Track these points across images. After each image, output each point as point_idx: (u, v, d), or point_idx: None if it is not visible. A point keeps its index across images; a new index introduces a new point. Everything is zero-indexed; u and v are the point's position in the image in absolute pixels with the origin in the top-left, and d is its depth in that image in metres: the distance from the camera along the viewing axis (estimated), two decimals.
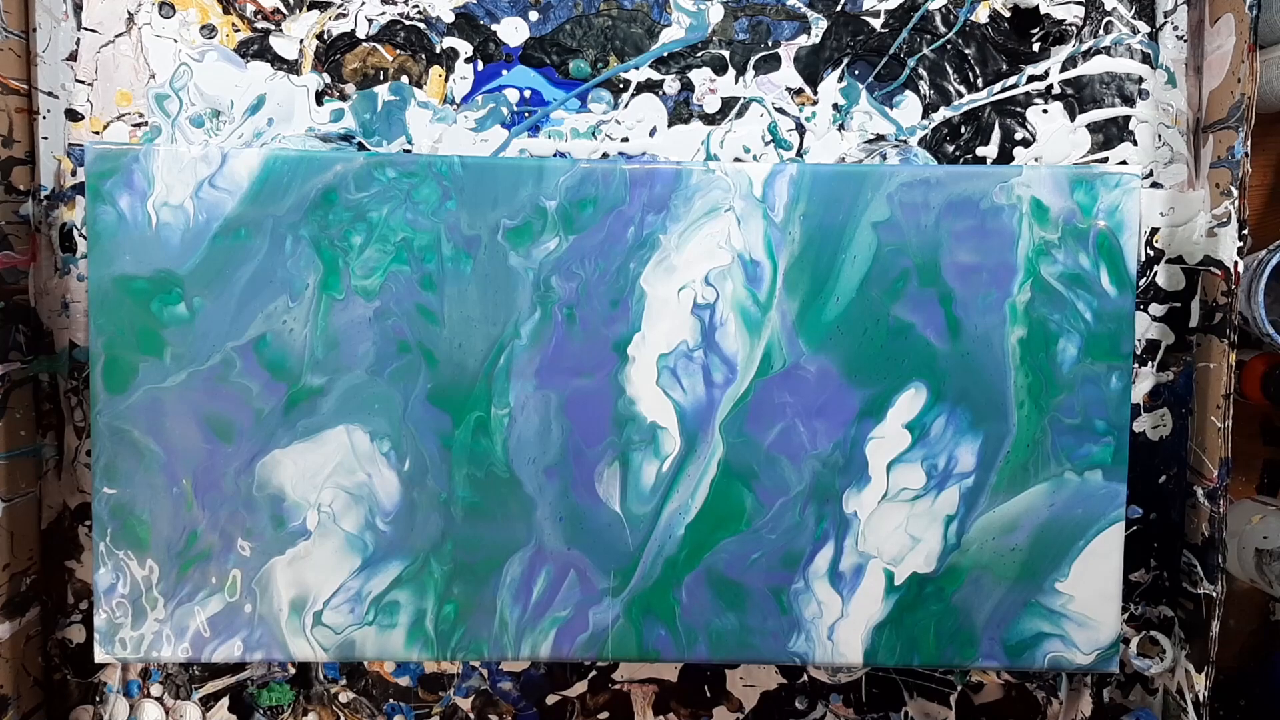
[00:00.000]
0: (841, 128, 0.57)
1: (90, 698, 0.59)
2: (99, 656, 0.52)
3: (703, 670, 0.60)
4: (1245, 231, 0.52)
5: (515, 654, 0.53)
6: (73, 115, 0.57)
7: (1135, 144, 0.57)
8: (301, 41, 0.56)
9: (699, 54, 0.57)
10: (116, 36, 0.56)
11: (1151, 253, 0.57)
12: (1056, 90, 0.57)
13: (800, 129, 0.57)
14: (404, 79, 0.57)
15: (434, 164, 0.50)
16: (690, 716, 0.60)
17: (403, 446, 0.51)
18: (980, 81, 0.57)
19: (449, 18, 0.57)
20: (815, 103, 0.57)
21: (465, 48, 0.57)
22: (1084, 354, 0.51)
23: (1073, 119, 0.57)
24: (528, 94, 0.57)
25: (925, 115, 0.57)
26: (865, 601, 0.53)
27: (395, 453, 0.51)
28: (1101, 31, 0.57)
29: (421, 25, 0.57)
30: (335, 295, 0.51)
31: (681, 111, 0.57)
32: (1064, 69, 0.57)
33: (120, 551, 0.51)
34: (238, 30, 0.56)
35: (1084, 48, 0.57)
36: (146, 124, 0.56)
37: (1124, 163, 0.57)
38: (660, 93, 0.57)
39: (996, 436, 0.52)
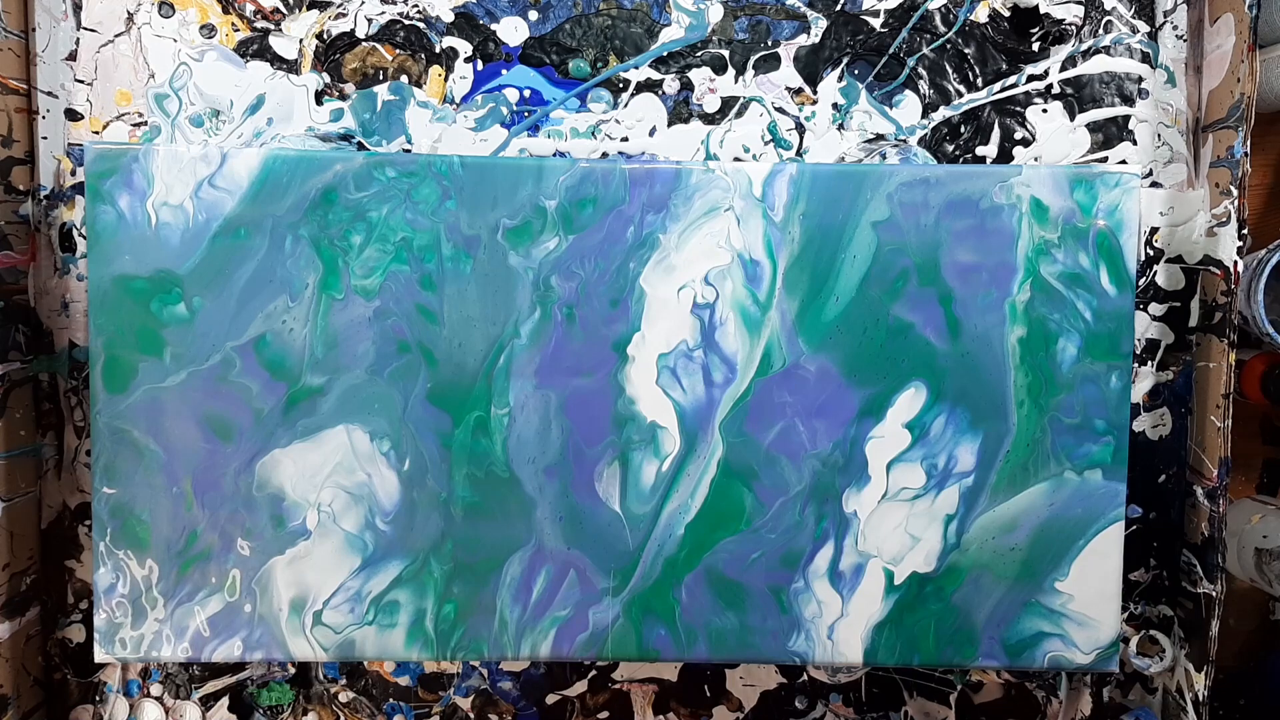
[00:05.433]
0: (841, 127, 0.57)
1: (90, 697, 0.59)
2: (99, 656, 0.52)
3: (703, 670, 0.60)
4: (1245, 231, 0.52)
5: (515, 654, 0.53)
6: (72, 115, 0.57)
7: (1135, 144, 0.57)
8: (301, 41, 0.56)
9: (699, 54, 0.57)
10: (116, 36, 0.56)
11: (1151, 252, 0.57)
12: (1056, 90, 0.57)
13: (800, 128, 0.57)
14: (404, 79, 0.57)
15: (434, 164, 0.50)
16: (690, 716, 0.60)
17: (403, 446, 0.51)
18: (980, 81, 0.57)
19: (449, 17, 0.57)
20: (815, 102, 0.57)
21: (465, 47, 0.57)
22: (1084, 353, 0.51)
23: (1072, 118, 0.57)
24: (527, 94, 0.57)
25: (925, 115, 0.57)
26: (865, 601, 0.53)
27: (395, 452, 0.51)
28: (1101, 31, 0.57)
29: (421, 25, 0.57)
30: (335, 295, 0.51)
31: (681, 111, 0.57)
32: (1064, 68, 0.57)
33: (120, 551, 0.51)
34: (237, 30, 0.56)
35: (1084, 47, 0.57)
36: (146, 124, 0.56)
37: (1124, 162, 0.57)
38: (660, 92, 0.57)
39: (996, 436, 0.52)
